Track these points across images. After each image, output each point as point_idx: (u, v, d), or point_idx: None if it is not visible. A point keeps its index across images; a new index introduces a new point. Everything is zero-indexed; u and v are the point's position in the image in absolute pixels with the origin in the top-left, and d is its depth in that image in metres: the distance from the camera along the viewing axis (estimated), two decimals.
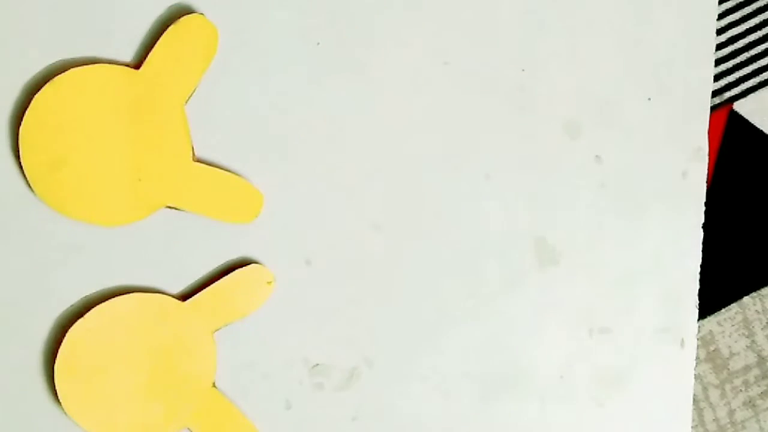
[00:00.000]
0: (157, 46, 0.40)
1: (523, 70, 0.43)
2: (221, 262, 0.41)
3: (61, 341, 0.40)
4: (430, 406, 0.43)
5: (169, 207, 0.41)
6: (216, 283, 0.41)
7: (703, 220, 0.44)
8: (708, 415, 0.49)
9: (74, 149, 0.40)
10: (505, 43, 0.43)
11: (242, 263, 0.41)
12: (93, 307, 0.40)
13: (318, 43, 0.42)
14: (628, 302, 0.43)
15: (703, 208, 0.44)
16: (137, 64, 0.40)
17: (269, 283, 0.41)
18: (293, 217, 0.42)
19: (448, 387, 0.43)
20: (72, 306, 0.41)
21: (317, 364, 0.42)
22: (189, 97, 0.40)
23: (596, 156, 0.43)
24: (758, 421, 0.49)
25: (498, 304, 0.43)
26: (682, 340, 0.44)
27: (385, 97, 0.42)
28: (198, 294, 0.41)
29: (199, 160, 0.41)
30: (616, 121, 0.43)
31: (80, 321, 0.40)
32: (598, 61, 0.43)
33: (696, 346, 0.44)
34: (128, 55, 0.40)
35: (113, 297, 0.40)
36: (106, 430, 0.40)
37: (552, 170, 0.43)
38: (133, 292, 0.41)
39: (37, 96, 0.39)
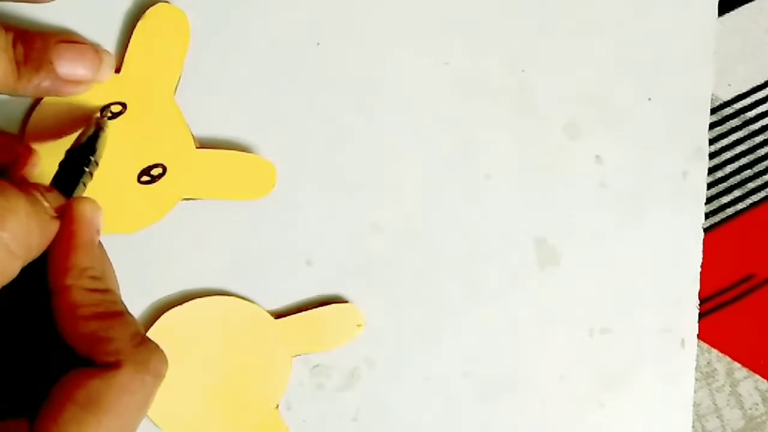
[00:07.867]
0: (130, 45, 0.39)
1: (523, 70, 0.43)
2: (220, 262, 0.41)
3: (153, 322, 0.40)
4: (430, 406, 0.43)
5: (186, 199, 0.40)
6: (310, 311, 0.41)
7: (703, 220, 0.44)
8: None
9: None
10: (505, 43, 0.43)
11: (338, 300, 0.42)
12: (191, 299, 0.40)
13: (318, 44, 0.42)
14: (628, 302, 0.43)
15: (703, 208, 0.44)
16: (117, 68, 0.40)
17: (359, 326, 0.42)
18: (293, 217, 0.42)
19: (448, 387, 0.43)
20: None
21: (317, 365, 0.42)
22: (176, 87, 0.40)
23: (596, 156, 0.43)
24: None
25: (498, 305, 0.43)
26: (682, 340, 0.44)
27: (385, 97, 0.42)
28: (291, 316, 0.41)
29: (202, 146, 0.41)
30: (616, 121, 0.43)
31: (177, 308, 0.40)
32: (598, 61, 0.43)
33: (696, 346, 0.44)
34: None
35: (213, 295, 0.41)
36: (163, 419, 0.40)
37: (552, 170, 0.43)
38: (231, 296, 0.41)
39: (33, 115, 0.39)
